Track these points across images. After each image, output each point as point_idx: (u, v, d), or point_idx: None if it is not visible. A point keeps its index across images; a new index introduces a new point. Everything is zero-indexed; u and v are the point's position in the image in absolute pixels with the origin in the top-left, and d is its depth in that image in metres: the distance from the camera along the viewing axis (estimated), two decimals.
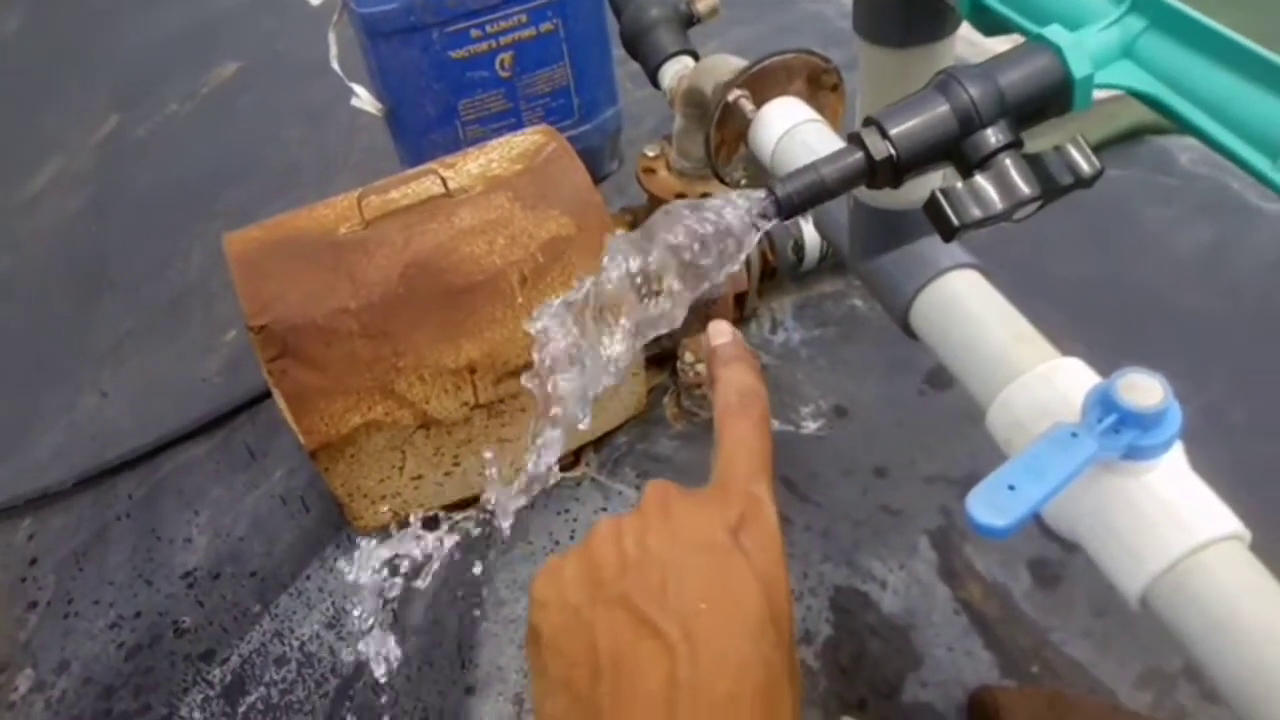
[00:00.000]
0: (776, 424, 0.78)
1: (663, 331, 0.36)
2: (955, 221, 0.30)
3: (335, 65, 0.88)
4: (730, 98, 0.63)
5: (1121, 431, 0.35)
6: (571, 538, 0.72)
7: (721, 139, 0.66)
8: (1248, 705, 0.33)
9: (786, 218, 0.31)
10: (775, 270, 0.83)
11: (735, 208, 0.31)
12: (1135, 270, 0.89)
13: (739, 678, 0.29)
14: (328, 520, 0.77)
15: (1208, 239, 0.92)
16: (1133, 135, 1.02)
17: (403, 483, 0.70)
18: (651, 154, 0.83)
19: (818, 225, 0.59)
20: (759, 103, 0.63)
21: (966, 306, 0.45)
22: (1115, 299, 0.86)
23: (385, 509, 0.71)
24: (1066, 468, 0.33)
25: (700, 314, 0.80)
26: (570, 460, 0.78)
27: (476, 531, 0.74)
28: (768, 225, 0.31)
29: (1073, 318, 0.76)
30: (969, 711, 0.58)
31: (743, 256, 0.31)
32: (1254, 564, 0.36)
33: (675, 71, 0.77)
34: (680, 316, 0.36)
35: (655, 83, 0.81)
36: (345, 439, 0.65)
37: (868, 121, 0.32)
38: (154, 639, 0.71)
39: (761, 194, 0.31)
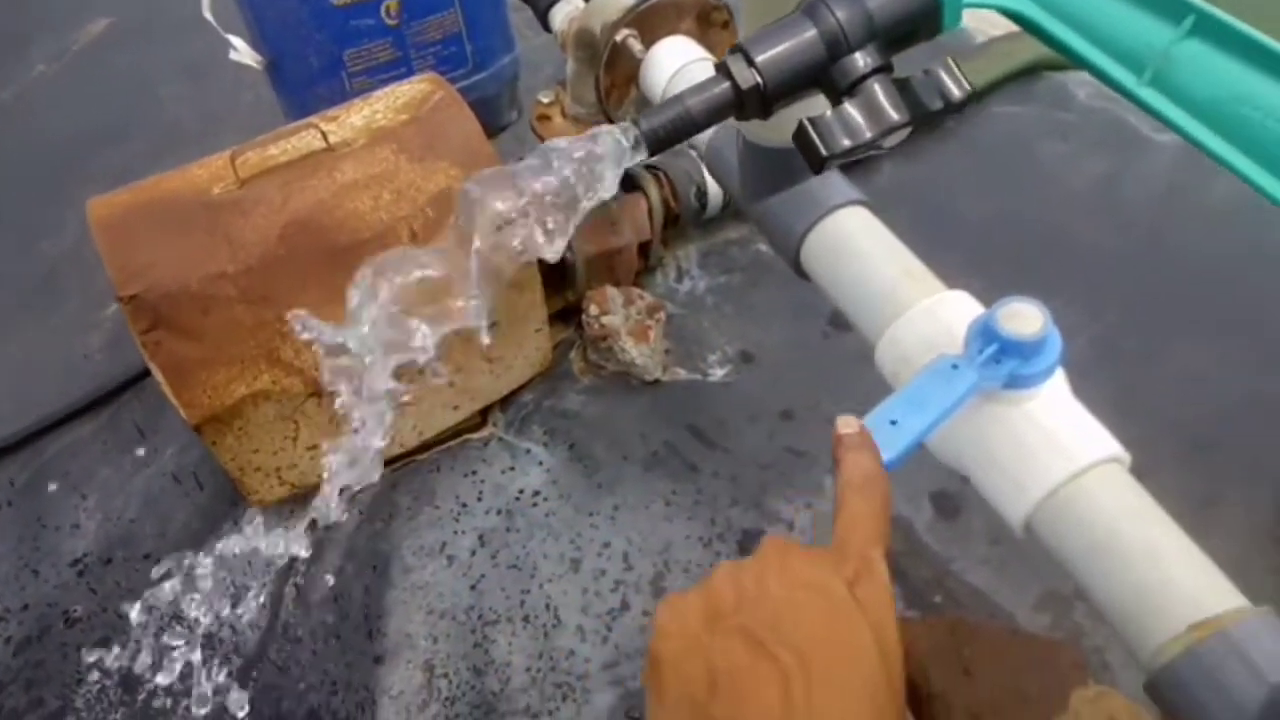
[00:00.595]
0: (683, 373, 0.77)
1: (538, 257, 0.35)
2: (824, 151, 0.29)
3: (208, 15, 0.83)
4: (618, 37, 0.61)
5: (1002, 361, 0.35)
6: (479, 499, 0.71)
7: (612, 81, 0.64)
8: (1128, 625, 0.34)
9: (653, 152, 0.29)
10: (679, 217, 0.82)
11: (600, 144, 0.29)
12: (1033, 205, 0.90)
13: (853, 711, 0.29)
14: (223, 497, 0.74)
15: (1103, 172, 0.94)
16: (1030, 72, 1.02)
17: (298, 454, 0.67)
18: (546, 100, 0.80)
19: (710, 168, 0.58)
20: (649, 43, 0.61)
21: (855, 244, 0.45)
22: (1014, 234, 0.87)
23: (281, 482, 0.68)
24: (947, 399, 0.33)
25: (605, 265, 0.78)
26: (476, 420, 0.76)
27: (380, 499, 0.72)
28: (634, 160, 0.29)
29: (972, 254, 0.77)
30: None
31: (609, 193, 0.30)
32: (1133, 486, 0.36)
33: (566, 13, 0.74)
34: (557, 250, 0.34)
35: (546, 26, 0.78)
36: (231, 411, 0.62)
37: (734, 49, 0.30)
38: (43, 630, 0.68)
39: (626, 129, 0.29)
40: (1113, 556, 0.33)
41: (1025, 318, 0.35)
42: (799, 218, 0.46)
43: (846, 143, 0.29)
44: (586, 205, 0.30)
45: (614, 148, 0.28)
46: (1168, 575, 0.32)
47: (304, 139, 0.66)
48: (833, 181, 0.45)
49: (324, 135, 0.65)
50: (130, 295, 0.58)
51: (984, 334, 0.35)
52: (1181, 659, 0.30)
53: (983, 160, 0.95)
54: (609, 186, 0.30)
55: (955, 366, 0.34)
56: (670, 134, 0.29)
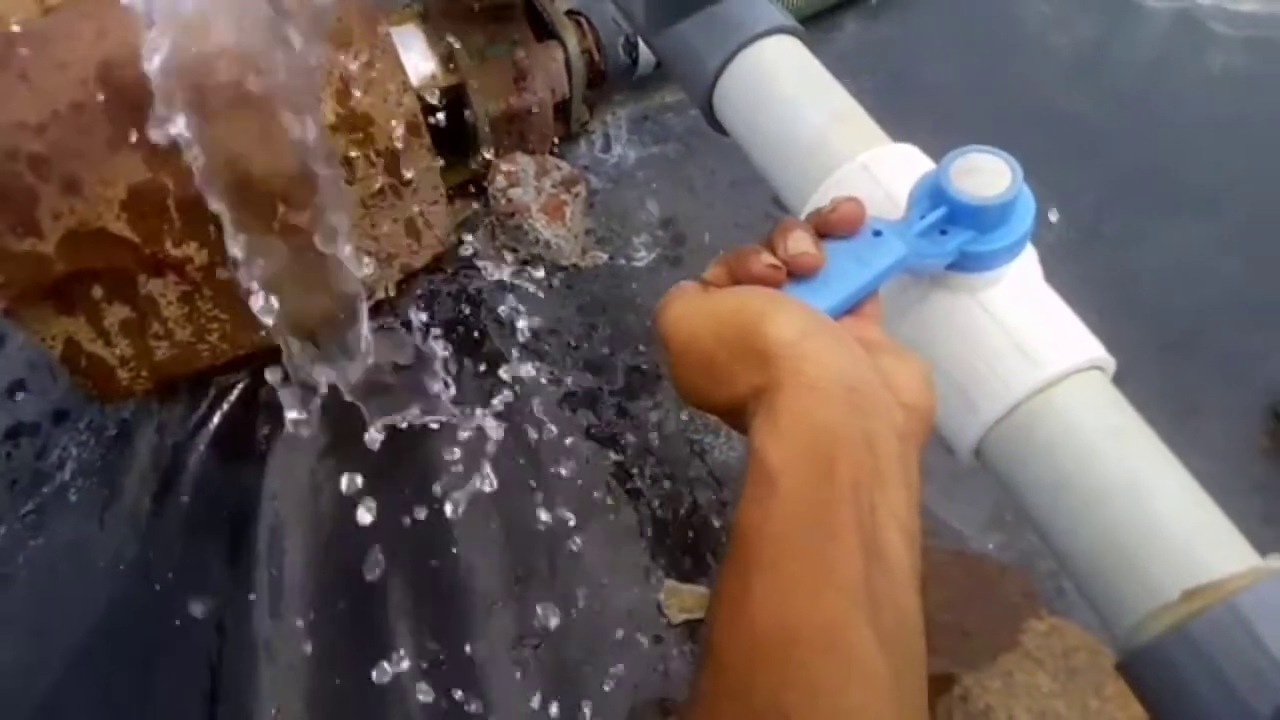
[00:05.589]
0: (605, 256, 0.68)
1: None
2: None
3: None
4: None
5: (950, 231, 0.26)
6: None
7: None
8: (1102, 586, 0.26)
9: None
10: (605, 74, 0.71)
11: None
12: (1010, 72, 0.82)
13: None
14: (80, 392, 0.64)
15: (1088, 37, 0.85)
16: None
17: (148, 343, 0.58)
18: None
19: None
20: None
21: (779, 82, 0.35)
22: (987, 102, 0.79)
23: (136, 376, 0.59)
24: (860, 277, 0.24)
25: (514, 127, 0.68)
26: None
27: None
28: None
29: (939, 123, 0.68)
30: None
31: None
32: (1117, 401, 0.28)
33: None
34: None
35: None
36: (54, 293, 0.52)
37: None
38: None
39: None
40: (1086, 495, 0.25)
41: (988, 174, 0.26)
42: (713, 49, 0.36)
43: None
44: None
45: None
46: (1157, 521, 0.24)
47: None
48: (756, 4, 0.35)
49: None
50: None
51: (931, 194, 0.26)
52: (1171, 636, 0.22)
53: (957, 20, 0.86)
54: None
55: (878, 233, 0.25)
56: None
